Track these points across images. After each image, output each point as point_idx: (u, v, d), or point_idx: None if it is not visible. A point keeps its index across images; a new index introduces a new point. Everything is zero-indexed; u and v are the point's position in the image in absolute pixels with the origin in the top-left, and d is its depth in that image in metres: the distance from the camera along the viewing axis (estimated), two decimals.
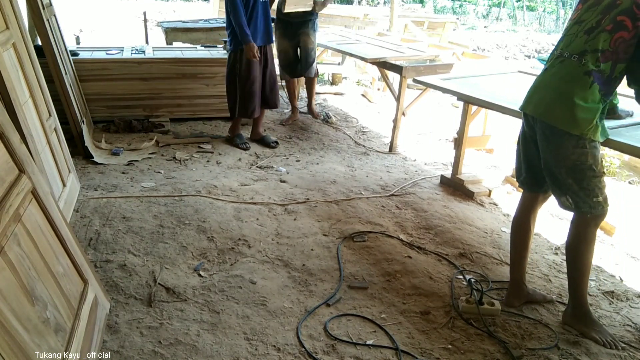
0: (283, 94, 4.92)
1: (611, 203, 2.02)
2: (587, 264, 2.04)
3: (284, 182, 3.45)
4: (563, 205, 2.05)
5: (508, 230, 2.71)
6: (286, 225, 2.85)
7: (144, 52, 4.58)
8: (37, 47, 3.09)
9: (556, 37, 12.89)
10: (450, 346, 1.98)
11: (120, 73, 4.27)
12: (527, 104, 2.08)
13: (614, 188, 3.50)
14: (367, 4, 20.57)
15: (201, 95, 4.56)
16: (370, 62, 4.53)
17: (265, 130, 4.43)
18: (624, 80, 1.93)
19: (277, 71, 4.37)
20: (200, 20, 6.74)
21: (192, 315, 2.05)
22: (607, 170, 3.79)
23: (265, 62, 3.91)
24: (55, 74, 3.48)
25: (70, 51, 4.16)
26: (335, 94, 6.27)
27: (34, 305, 1.40)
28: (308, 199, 3.19)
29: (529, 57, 13.51)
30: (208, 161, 3.79)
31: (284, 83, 4.72)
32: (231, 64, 3.86)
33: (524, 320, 2.16)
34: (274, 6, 4.22)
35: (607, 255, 2.75)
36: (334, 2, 12.32)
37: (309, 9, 4.30)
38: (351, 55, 4.65)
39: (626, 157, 3.82)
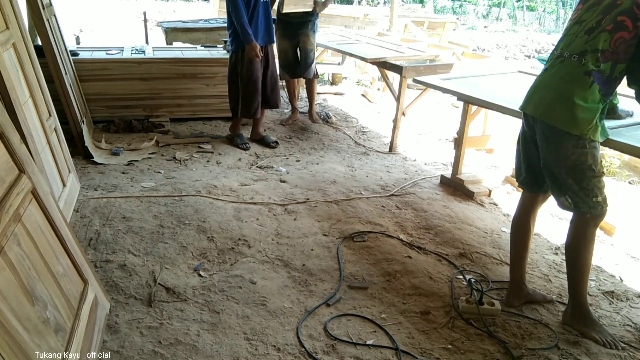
0: (283, 94, 4.92)
1: (610, 203, 2.02)
2: (586, 264, 2.04)
3: (284, 182, 3.45)
4: (562, 205, 2.05)
5: (508, 230, 2.71)
6: (286, 225, 2.85)
7: (144, 52, 4.57)
8: (37, 47, 3.09)
9: (556, 37, 12.90)
10: (450, 346, 1.98)
11: (120, 73, 4.27)
12: (527, 103, 2.08)
13: (614, 188, 3.50)
14: (367, 4, 20.57)
15: (201, 95, 4.56)
16: (370, 62, 4.53)
17: (265, 130, 4.43)
18: (624, 80, 1.93)
19: (277, 71, 4.36)
20: (200, 20, 6.74)
21: (192, 315, 2.05)
22: (607, 170, 3.79)
23: (266, 62, 3.91)
24: (55, 74, 3.48)
25: (70, 51, 4.16)
26: (335, 94, 6.27)
27: (34, 305, 1.40)
28: (308, 199, 3.19)
29: (529, 57, 13.51)
30: (208, 161, 3.79)
31: (283, 83, 4.72)
32: (233, 64, 3.86)
33: (524, 320, 2.16)
34: (275, 6, 4.22)
35: (607, 255, 2.75)
36: (334, 2, 12.31)
37: (309, 9, 4.28)
38: (351, 55, 4.65)
39: (626, 157, 3.82)
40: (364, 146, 4.37)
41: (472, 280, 2.24)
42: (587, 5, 1.93)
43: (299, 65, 4.54)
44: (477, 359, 1.92)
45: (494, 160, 4.05)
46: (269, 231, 2.76)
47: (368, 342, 1.96)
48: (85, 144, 3.61)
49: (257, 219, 2.88)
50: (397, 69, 4.07)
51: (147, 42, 6.84)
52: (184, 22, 6.52)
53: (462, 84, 3.29)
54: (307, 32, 4.39)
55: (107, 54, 4.43)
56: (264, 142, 4.20)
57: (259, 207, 3.03)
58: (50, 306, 1.50)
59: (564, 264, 2.14)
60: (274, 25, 4.03)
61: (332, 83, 6.89)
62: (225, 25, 5.71)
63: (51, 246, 1.66)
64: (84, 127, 3.69)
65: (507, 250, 2.57)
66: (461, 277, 2.44)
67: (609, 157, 3.84)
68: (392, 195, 3.34)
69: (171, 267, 2.37)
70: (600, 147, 2.01)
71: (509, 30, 19.05)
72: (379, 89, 6.55)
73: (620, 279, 2.54)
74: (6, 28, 2.45)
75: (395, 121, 4.17)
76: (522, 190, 2.29)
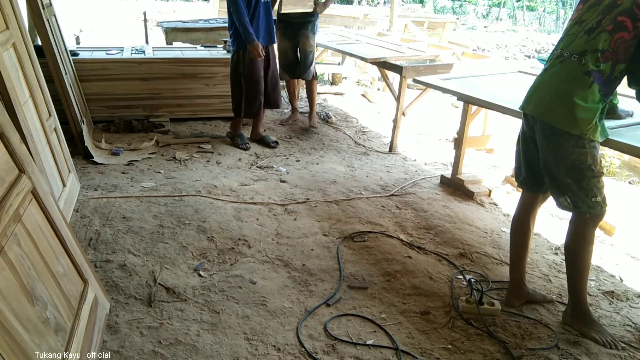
0: (283, 94, 4.92)
1: (609, 203, 2.02)
2: (586, 264, 2.04)
3: (284, 182, 3.45)
4: (561, 205, 2.05)
5: (508, 230, 2.71)
6: (286, 225, 2.85)
7: (144, 52, 4.58)
8: (37, 47, 3.09)
9: (556, 37, 12.89)
10: (450, 346, 1.98)
11: (120, 73, 4.27)
12: (527, 103, 2.08)
13: (614, 188, 3.50)
14: (367, 4, 20.57)
15: (201, 95, 4.56)
16: (370, 62, 4.53)
17: (265, 130, 4.43)
18: (624, 80, 1.93)
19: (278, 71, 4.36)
20: (200, 20, 6.74)
21: (192, 315, 2.05)
22: (607, 170, 3.79)
23: (267, 62, 3.91)
24: (55, 74, 3.48)
25: (70, 51, 4.16)
26: (335, 94, 6.27)
27: (34, 305, 1.40)
28: (308, 199, 3.19)
29: (529, 57, 13.51)
30: (208, 161, 3.79)
31: (283, 83, 4.72)
32: (234, 64, 3.86)
33: (524, 320, 2.16)
34: (275, 7, 4.21)
35: (607, 255, 2.75)
36: (335, 2, 12.30)
37: (309, 10, 4.26)
38: (351, 55, 4.65)
39: (626, 157, 3.82)
40: (364, 146, 4.37)
41: (472, 280, 2.24)
42: (588, 5, 1.93)
43: (298, 65, 4.54)
44: (477, 359, 1.92)
45: (494, 160, 4.05)
46: (269, 231, 2.76)
47: (368, 342, 1.96)
48: (85, 144, 3.61)
49: (257, 219, 2.88)
50: (397, 69, 4.07)
51: (147, 42, 6.84)
52: (184, 22, 6.52)
53: (462, 84, 3.29)
54: (306, 34, 4.36)
55: (107, 54, 4.43)
56: (264, 142, 4.20)
57: (259, 207, 3.03)
58: (50, 306, 1.50)
59: (564, 264, 2.14)
60: (274, 26, 4.03)
61: (332, 83, 6.89)
62: (225, 25, 5.73)
63: (51, 246, 1.66)
64: (84, 127, 3.69)
65: (507, 250, 2.57)
66: (461, 277, 2.44)
67: (609, 157, 3.84)
68: (392, 195, 3.34)
69: (171, 267, 2.37)
70: (600, 147, 2.01)
71: (509, 30, 19.05)
72: (379, 89, 6.55)
73: (620, 279, 2.54)
74: (6, 28, 2.45)
75: (395, 121, 4.17)
76: (521, 190, 2.29)
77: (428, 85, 3.47)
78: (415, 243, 2.75)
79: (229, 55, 4.55)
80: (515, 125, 2.72)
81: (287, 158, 3.98)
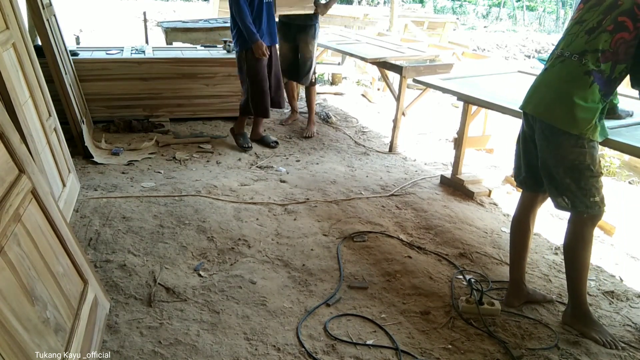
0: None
1: (608, 203, 2.02)
2: (585, 264, 2.04)
3: (284, 182, 3.45)
4: (559, 205, 2.05)
5: (508, 230, 2.71)
6: (286, 225, 2.85)
7: (144, 52, 4.57)
8: (37, 47, 3.09)
9: (556, 37, 12.89)
10: (450, 346, 1.98)
11: (120, 73, 4.27)
12: (527, 103, 2.08)
13: (614, 188, 3.50)
14: (367, 4, 20.56)
15: (201, 95, 4.56)
16: (370, 62, 4.52)
17: (265, 130, 4.43)
18: (624, 80, 1.94)
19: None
20: (200, 20, 6.73)
21: (192, 315, 2.05)
22: (607, 170, 3.79)
23: (270, 62, 3.90)
24: (55, 74, 3.48)
25: (70, 51, 4.16)
26: (335, 94, 6.27)
27: (34, 305, 1.40)
28: (308, 199, 3.19)
29: (529, 57, 13.51)
30: (208, 161, 3.79)
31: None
32: (239, 65, 3.87)
33: (524, 320, 2.16)
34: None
35: (607, 255, 2.75)
36: (336, 2, 12.27)
37: (309, 11, 4.19)
38: (351, 55, 4.64)
39: (626, 157, 3.82)
40: (364, 146, 4.37)
41: (472, 280, 2.24)
42: (588, 5, 1.93)
43: (296, 68, 4.52)
44: (477, 359, 1.92)
45: (494, 160, 4.05)
46: (269, 231, 2.76)
47: (368, 342, 1.96)
48: (85, 144, 3.61)
49: (257, 219, 2.88)
50: (397, 69, 4.07)
51: (147, 42, 6.83)
52: (184, 22, 6.51)
53: (462, 84, 3.29)
54: (306, 39, 4.30)
55: (107, 54, 4.43)
56: (264, 142, 4.20)
57: (259, 207, 3.03)
58: (50, 306, 1.50)
59: (564, 264, 2.14)
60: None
61: (332, 83, 6.89)
62: (226, 25, 5.75)
63: (51, 246, 1.66)
64: (84, 127, 3.69)
65: (507, 250, 2.57)
66: (461, 277, 2.44)
67: (609, 157, 3.84)
68: (392, 195, 3.34)
69: (171, 267, 2.37)
70: (600, 147, 2.01)
71: (509, 30, 19.04)
72: (379, 89, 6.55)
73: (620, 279, 2.54)
74: (6, 28, 2.45)
75: (395, 121, 4.17)
76: (521, 190, 2.29)
77: (428, 85, 3.47)
78: (415, 243, 2.75)
79: (229, 55, 4.56)
80: (515, 125, 2.72)
81: (287, 158, 3.98)
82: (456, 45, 6.64)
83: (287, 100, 4.95)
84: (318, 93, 5.84)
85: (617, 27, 1.81)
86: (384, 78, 4.72)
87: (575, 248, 2.04)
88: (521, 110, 2.13)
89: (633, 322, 2.19)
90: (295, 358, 1.87)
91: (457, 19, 15.36)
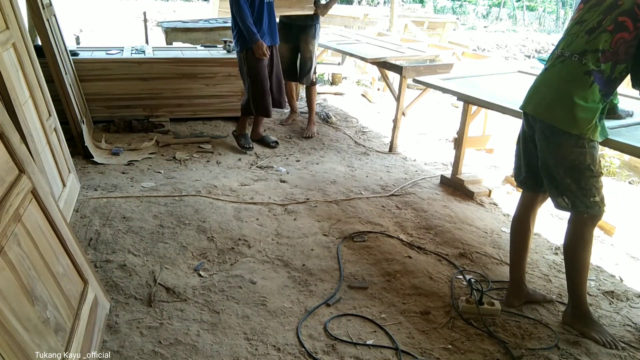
0: None
1: (608, 203, 2.02)
2: (585, 264, 2.04)
3: (284, 182, 3.45)
4: (559, 205, 2.05)
5: (508, 230, 2.71)
6: (286, 225, 2.85)
7: (144, 52, 4.57)
8: (37, 47, 3.09)
9: (556, 37, 12.89)
10: (450, 346, 1.98)
11: (120, 73, 4.27)
12: (527, 103, 2.08)
13: (614, 188, 3.50)
14: (367, 4, 20.56)
15: (201, 95, 4.55)
16: (370, 62, 4.52)
17: (265, 130, 4.43)
18: (624, 80, 1.94)
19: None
20: (200, 20, 6.72)
21: (192, 315, 2.05)
22: (607, 170, 3.79)
23: (271, 63, 3.90)
24: (55, 74, 3.48)
25: (70, 51, 4.16)
26: (335, 94, 6.27)
27: (34, 305, 1.40)
28: (308, 199, 3.19)
29: (529, 57, 13.51)
30: (208, 161, 3.79)
31: None
32: (240, 64, 3.87)
33: (524, 320, 2.16)
34: None
35: (607, 255, 2.75)
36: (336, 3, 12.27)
37: (308, 12, 4.19)
38: (351, 55, 4.64)
39: (626, 157, 3.82)
40: (364, 146, 4.37)
41: (472, 280, 2.24)
42: (589, 5, 1.93)
43: (295, 69, 4.52)
44: (477, 359, 1.92)
45: (494, 160, 4.05)
46: (269, 231, 2.76)
47: (368, 342, 1.96)
48: (85, 144, 3.61)
49: (257, 219, 2.88)
50: (397, 69, 4.07)
51: (147, 42, 6.83)
52: (184, 22, 6.50)
53: (462, 84, 3.29)
54: (307, 39, 4.30)
55: (107, 54, 4.43)
56: (264, 142, 4.20)
57: (259, 207, 3.03)
58: (50, 306, 1.50)
59: (564, 264, 2.14)
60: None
61: (332, 83, 6.89)
62: (226, 25, 5.74)
63: (51, 246, 1.66)
64: (84, 127, 3.69)
65: (507, 250, 2.57)
66: (461, 277, 2.44)
67: (609, 157, 3.84)
68: (392, 195, 3.34)
69: (171, 267, 2.37)
70: (600, 147, 2.01)
71: (509, 30, 19.05)
72: (379, 89, 6.55)
73: (620, 279, 2.54)
74: (6, 28, 2.45)
75: (395, 121, 4.17)
76: (521, 190, 2.29)
77: (428, 85, 3.48)
78: (415, 243, 2.75)
79: (229, 55, 4.56)
80: (515, 125, 2.72)
81: (287, 158, 3.98)
82: (456, 45, 6.64)
83: (286, 100, 4.95)
84: (318, 93, 5.84)
85: (617, 27, 1.81)
86: (384, 78, 4.72)
87: (575, 248, 2.04)
88: (521, 110, 2.13)
89: (633, 322, 2.19)
90: (295, 358, 1.87)
91: (457, 19, 15.36)
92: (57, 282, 1.60)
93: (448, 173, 3.61)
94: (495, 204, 3.31)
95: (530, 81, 2.17)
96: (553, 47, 2.08)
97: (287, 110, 5.02)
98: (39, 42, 3.45)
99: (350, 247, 2.67)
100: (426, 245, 2.74)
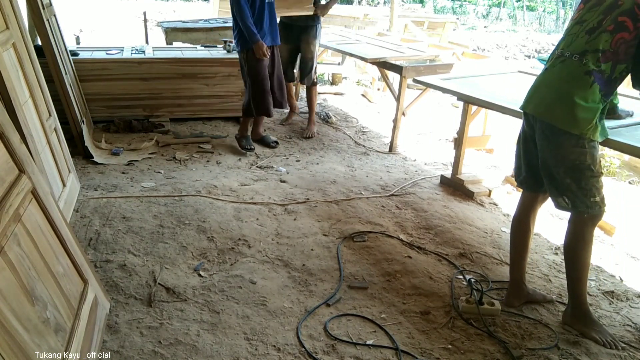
0: None
1: (608, 203, 2.02)
2: (585, 264, 2.04)
3: (284, 182, 3.45)
4: (559, 205, 2.05)
5: (508, 230, 2.71)
6: (286, 225, 2.85)
7: (144, 52, 4.57)
8: (37, 47, 3.09)
9: (556, 37, 12.90)
10: (450, 346, 1.98)
11: (120, 73, 4.27)
12: (527, 103, 2.08)
13: (614, 188, 3.50)
14: (367, 4, 20.56)
15: (201, 95, 4.56)
16: (370, 62, 4.52)
17: (265, 130, 4.43)
18: (624, 80, 1.94)
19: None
20: (200, 20, 6.73)
21: (192, 315, 2.05)
22: (607, 170, 3.79)
23: (272, 63, 3.90)
24: (55, 74, 3.48)
25: (70, 51, 4.16)
26: (335, 94, 6.27)
27: (34, 305, 1.40)
28: (308, 199, 3.19)
29: (529, 57, 13.51)
30: (208, 161, 3.79)
31: None
32: (241, 65, 3.87)
33: (524, 320, 2.16)
34: None
35: (607, 255, 2.75)
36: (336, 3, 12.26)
37: (308, 13, 4.17)
38: (351, 55, 4.64)
39: (626, 157, 3.82)
40: (364, 146, 4.37)
41: (472, 280, 2.24)
42: (589, 5, 1.94)
43: (293, 69, 4.50)
44: (477, 359, 1.92)
45: (494, 160, 4.05)
46: (269, 231, 2.76)
47: (368, 342, 1.96)
48: (85, 144, 3.61)
49: (257, 219, 2.88)
50: (397, 69, 4.07)
51: (147, 42, 6.84)
52: (184, 22, 6.51)
53: (462, 84, 3.29)
54: (308, 39, 4.30)
55: (107, 54, 4.43)
56: (264, 142, 4.20)
57: (259, 207, 3.03)
58: (50, 306, 1.50)
59: (564, 264, 2.14)
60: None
61: (332, 83, 6.89)
62: (226, 25, 5.74)
63: (51, 246, 1.66)
64: (84, 127, 3.69)
65: (507, 250, 2.57)
66: (461, 277, 2.44)
67: (609, 157, 3.84)
68: (392, 195, 3.34)
69: (171, 267, 2.37)
70: (600, 147, 2.01)
71: (509, 30, 19.04)
72: (379, 89, 6.55)
73: (620, 279, 2.54)
74: (6, 28, 2.45)
75: (395, 121, 4.17)
76: (521, 190, 2.29)
77: (428, 85, 3.47)
78: (415, 243, 2.75)
79: (229, 55, 4.56)
80: (515, 125, 2.72)
81: (287, 158, 3.98)
82: (456, 45, 6.64)
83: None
84: (318, 93, 5.83)
85: (618, 27, 1.81)
86: (384, 78, 4.72)
87: (576, 248, 2.04)
88: (521, 110, 2.13)
89: (633, 322, 2.19)
90: (296, 358, 1.87)
91: (457, 19, 15.36)
92: (57, 282, 1.60)
93: (448, 173, 3.61)
94: (495, 204, 3.31)
95: (530, 81, 2.17)
96: (553, 47, 2.08)
97: (286, 110, 5.02)
98: (39, 42, 3.45)
99: (350, 247, 2.67)
100: (426, 245, 2.74)
